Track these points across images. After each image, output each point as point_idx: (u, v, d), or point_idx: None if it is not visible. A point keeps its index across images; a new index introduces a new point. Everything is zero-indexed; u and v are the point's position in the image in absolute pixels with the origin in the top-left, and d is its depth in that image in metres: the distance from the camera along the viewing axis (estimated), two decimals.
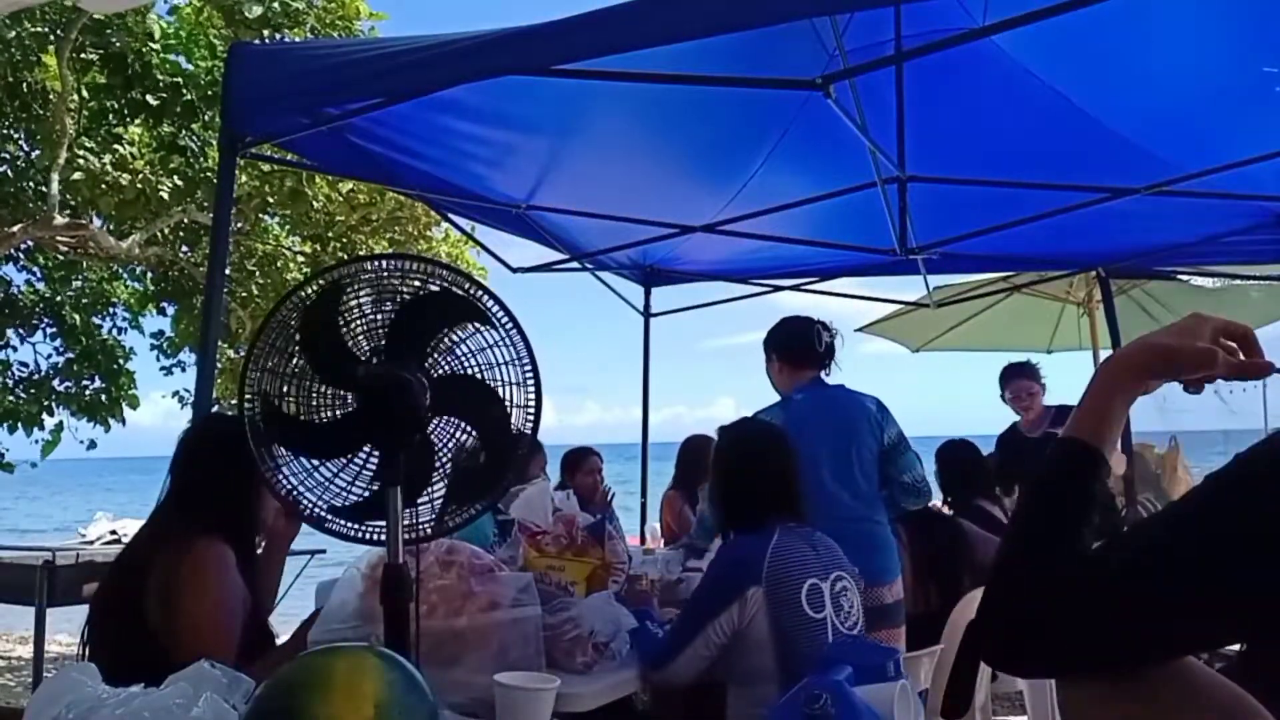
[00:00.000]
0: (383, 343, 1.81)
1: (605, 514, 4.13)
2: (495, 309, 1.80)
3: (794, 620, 2.23)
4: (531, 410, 1.81)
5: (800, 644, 2.20)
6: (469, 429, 1.82)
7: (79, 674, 1.32)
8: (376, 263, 1.87)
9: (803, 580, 2.26)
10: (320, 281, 1.86)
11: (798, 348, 3.18)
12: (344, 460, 1.85)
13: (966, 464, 4.08)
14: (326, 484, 1.86)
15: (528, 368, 1.80)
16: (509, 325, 1.80)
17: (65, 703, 1.26)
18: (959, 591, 3.21)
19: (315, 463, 1.86)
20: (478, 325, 1.80)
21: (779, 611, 2.23)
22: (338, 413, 1.84)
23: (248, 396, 1.86)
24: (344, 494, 1.86)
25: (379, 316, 1.82)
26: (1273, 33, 2.76)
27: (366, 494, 1.85)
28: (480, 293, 1.82)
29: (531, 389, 1.81)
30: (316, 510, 1.87)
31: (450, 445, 1.83)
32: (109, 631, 2.07)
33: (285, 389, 1.85)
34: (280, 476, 1.88)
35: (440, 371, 1.81)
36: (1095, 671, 0.86)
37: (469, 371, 1.81)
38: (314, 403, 1.85)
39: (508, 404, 1.79)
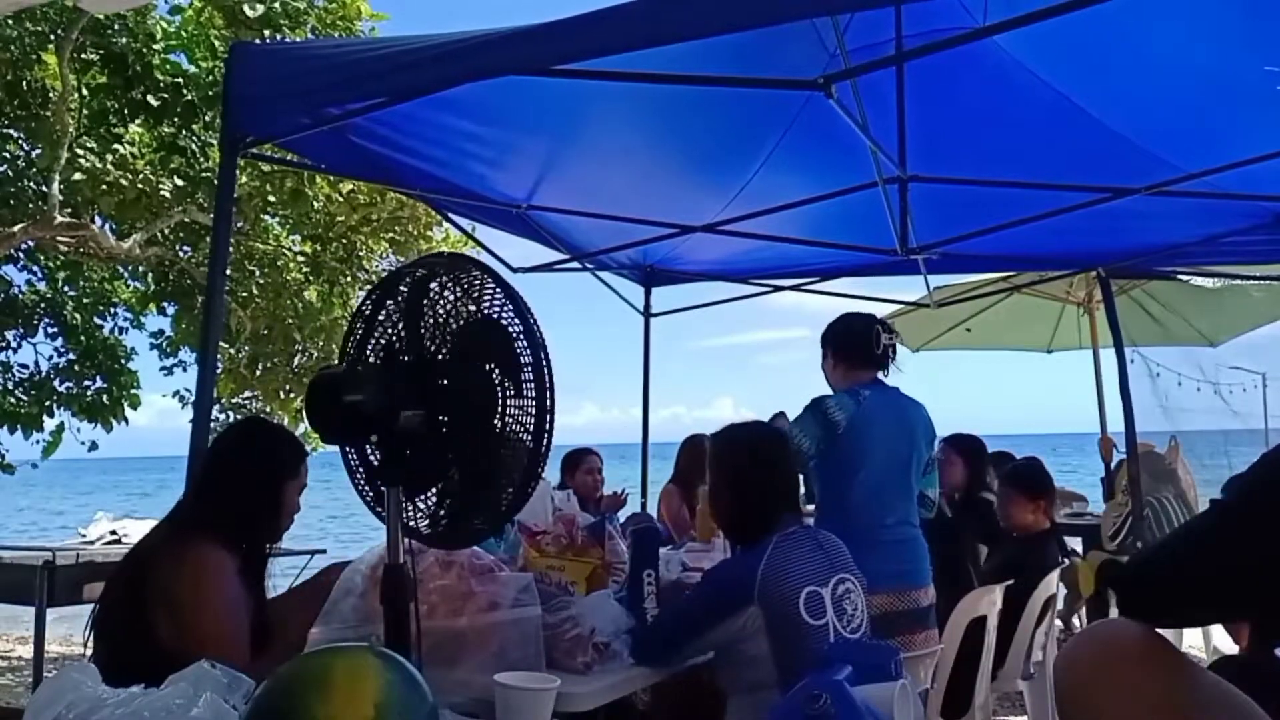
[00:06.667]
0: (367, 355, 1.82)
1: (610, 515, 4.12)
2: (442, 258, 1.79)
3: (793, 631, 2.19)
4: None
5: (801, 653, 2.15)
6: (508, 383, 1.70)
7: (79, 674, 1.32)
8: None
9: (800, 589, 2.22)
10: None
11: (857, 348, 3.11)
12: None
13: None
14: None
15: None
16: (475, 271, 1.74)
17: (65, 703, 1.26)
18: (958, 593, 3.20)
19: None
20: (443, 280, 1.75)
21: (777, 626, 2.20)
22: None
23: None
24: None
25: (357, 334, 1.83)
26: (1273, 32, 2.75)
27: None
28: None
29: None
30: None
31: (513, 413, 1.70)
32: (112, 629, 2.07)
33: None
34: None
35: (441, 339, 1.74)
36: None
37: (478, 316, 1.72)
38: None
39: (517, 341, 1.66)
